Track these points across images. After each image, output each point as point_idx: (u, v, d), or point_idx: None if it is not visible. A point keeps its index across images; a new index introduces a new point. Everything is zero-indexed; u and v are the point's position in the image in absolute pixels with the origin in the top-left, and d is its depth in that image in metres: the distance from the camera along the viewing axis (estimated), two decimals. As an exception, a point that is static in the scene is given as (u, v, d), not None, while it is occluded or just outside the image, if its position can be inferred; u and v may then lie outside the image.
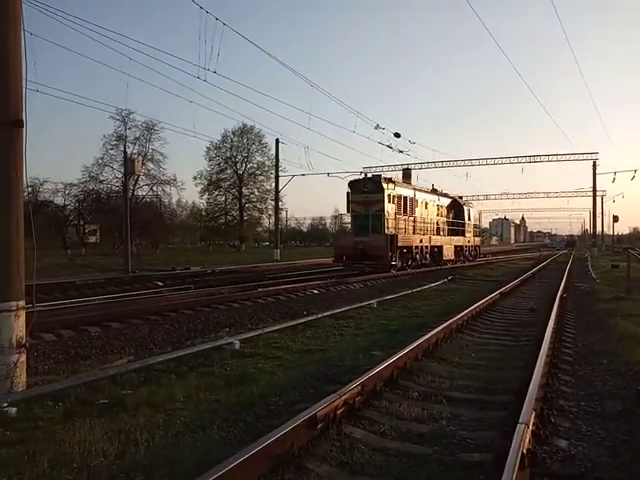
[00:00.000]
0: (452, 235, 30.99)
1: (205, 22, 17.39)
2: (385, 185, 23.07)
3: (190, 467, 3.56)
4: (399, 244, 22.73)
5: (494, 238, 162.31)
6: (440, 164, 48.86)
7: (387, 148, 32.15)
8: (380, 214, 22.59)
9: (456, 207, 32.99)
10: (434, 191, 30.27)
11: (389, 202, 23.26)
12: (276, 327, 9.61)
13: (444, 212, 30.83)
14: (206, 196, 64.87)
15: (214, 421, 4.64)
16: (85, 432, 4.35)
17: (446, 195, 31.85)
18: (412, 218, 25.51)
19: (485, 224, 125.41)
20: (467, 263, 32.22)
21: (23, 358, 5.67)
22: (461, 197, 35.45)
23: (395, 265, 22.55)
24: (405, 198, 24.97)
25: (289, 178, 43.08)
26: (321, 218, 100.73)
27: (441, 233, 29.40)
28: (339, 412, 4.49)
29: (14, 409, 5.03)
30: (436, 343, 7.89)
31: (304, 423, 4.01)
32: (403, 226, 24.16)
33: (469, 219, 34.31)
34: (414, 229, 25.51)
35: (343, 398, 4.61)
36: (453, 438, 4.35)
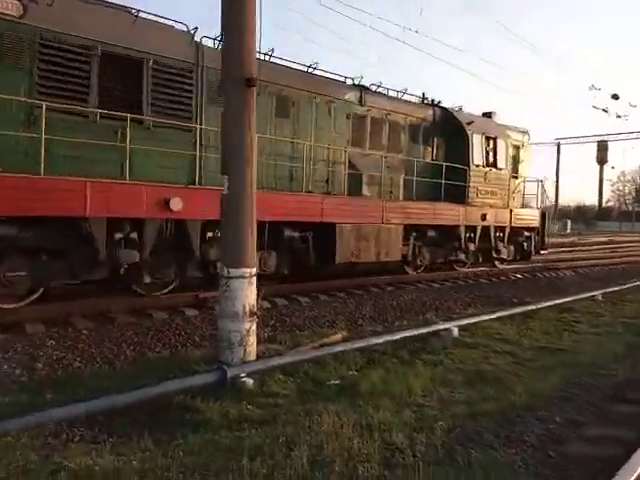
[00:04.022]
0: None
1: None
2: None
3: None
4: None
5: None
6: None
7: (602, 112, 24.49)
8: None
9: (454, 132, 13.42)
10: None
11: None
12: (493, 316, 8.53)
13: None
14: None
15: (479, 433, 3.83)
16: (331, 422, 3.86)
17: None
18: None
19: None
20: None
21: (254, 326, 5.49)
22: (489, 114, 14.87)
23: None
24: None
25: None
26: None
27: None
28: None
29: (251, 381, 4.82)
30: None
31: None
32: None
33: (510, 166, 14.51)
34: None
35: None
36: None
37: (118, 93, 7.80)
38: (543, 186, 15.63)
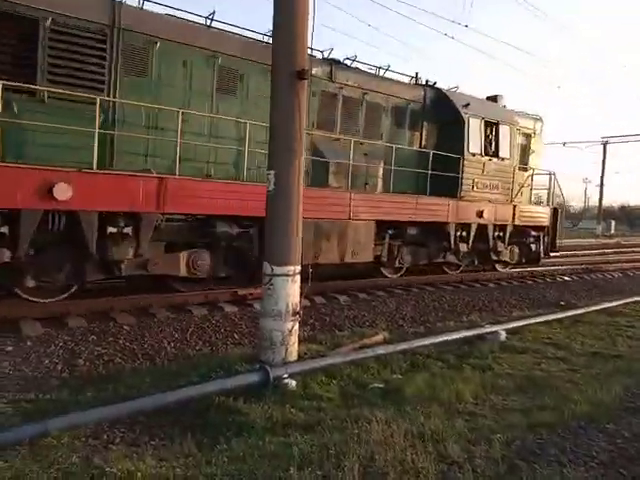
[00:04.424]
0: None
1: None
2: None
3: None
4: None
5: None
6: None
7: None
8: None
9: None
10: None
11: None
12: (541, 319, 8.17)
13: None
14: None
15: (541, 447, 3.56)
16: (380, 430, 3.65)
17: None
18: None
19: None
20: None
21: (297, 326, 5.32)
22: (494, 97, 13.16)
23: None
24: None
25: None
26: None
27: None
28: None
29: (293, 382, 4.66)
30: None
31: None
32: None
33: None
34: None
35: None
36: None
37: (4, 58, 6.52)
38: (556, 179, 13.66)
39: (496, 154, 12.12)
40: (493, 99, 13.12)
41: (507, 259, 12.91)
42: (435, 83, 12.11)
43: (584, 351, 6.60)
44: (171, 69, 7.99)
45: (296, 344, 5.34)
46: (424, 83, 12.06)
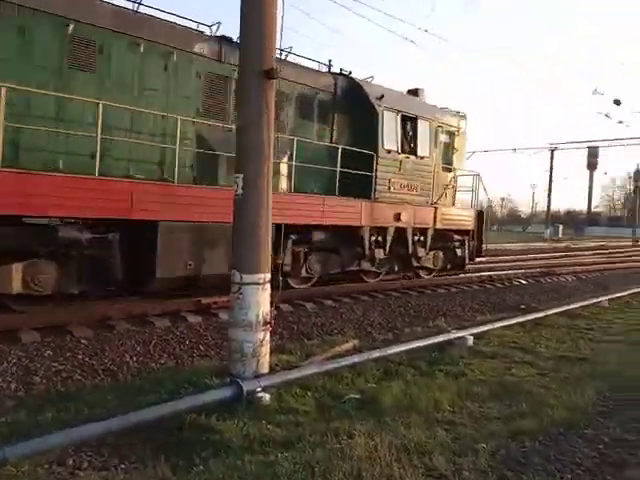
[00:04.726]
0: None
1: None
2: None
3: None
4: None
5: None
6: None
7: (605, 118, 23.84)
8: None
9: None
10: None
11: None
12: (504, 323, 8.28)
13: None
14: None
15: (526, 456, 3.51)
16: (363, 443, 3.53)
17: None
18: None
19: None
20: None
21: (267, 336, 5.14)
22: (415, 90, 12.32)
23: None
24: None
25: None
26: (490, 200, 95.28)
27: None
28: None
29: (267, 396, 4.48)
30: None
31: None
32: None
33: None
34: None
35: None
36: None
37: None
38: (481, 181, 12.97)
39: (414, 152, 11.16)
40: (414, 93, 12.15)
41: (430, 265, 12.15)
42: (350, 73, 10.87)
43: (550, 355, 6.69)
44: (2, 37, 6.43)
45: (267, 355, 5.15)
46: (338, 72, 10.74)
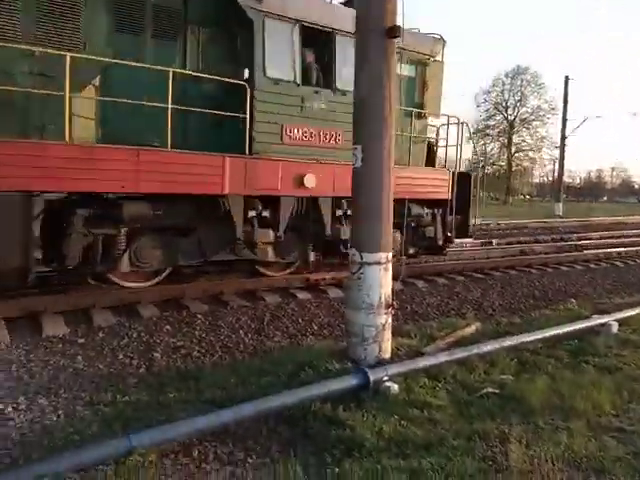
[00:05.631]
0: None
1: None
2: None
3: None
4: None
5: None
6: None
7: None
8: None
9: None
10: None
11: None
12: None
13: None
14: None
15: None
16: (520, 453, 3.00)
17: None
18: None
19: None
20: None
21: (390, 320, 4.71)
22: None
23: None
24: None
25: (576, 123, 36.61)
26: (598, 170, 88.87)
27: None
28: None
29: (395, 386, 4.04)
30: None
31: None
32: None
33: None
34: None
35: None
36: None
37: None
38: (469, 130, 9.89)
39: (329, 84, 7.66)
40: (348, 3, 8.11)
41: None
42: None
43: None
44: None
45: (390, 340, 4.74)
46: None
